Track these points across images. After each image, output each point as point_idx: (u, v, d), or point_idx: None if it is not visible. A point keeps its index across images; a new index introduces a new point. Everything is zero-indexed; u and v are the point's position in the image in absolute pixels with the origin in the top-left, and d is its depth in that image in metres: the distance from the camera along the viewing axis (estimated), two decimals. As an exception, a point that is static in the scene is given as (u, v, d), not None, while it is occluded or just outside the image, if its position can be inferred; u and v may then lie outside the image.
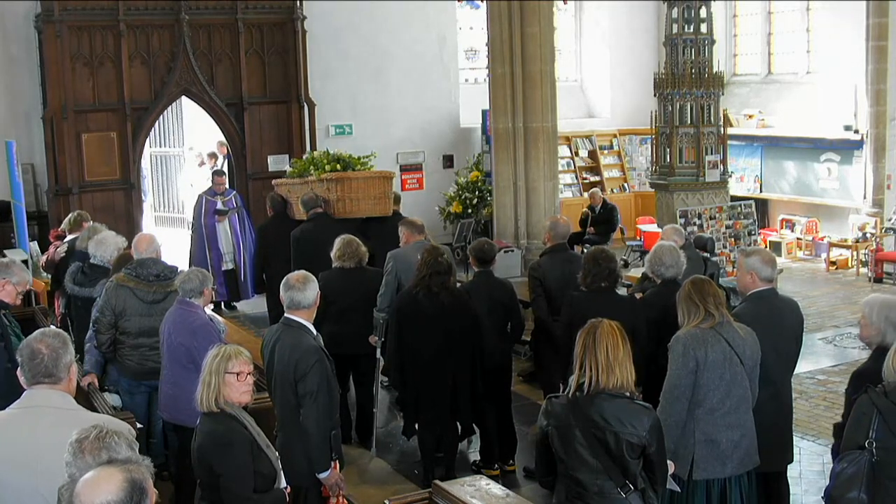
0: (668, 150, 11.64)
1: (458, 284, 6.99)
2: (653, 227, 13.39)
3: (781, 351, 5.33)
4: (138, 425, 5.29)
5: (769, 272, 5.41)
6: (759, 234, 13.09)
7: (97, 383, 6.35)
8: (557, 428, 4.03)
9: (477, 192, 14.62)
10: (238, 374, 4.19)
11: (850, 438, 4.08)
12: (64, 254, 8.23)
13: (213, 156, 15.82)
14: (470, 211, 14.65)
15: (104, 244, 7.29)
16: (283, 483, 4.41)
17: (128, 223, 12.45)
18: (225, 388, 4.16)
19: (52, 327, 4.68)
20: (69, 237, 8.56)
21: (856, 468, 3.95)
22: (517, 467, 7.17)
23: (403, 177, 15.36)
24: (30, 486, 3.42)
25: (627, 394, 3.98)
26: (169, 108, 14.50)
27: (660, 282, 6.21)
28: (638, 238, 14.86)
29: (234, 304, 12.22)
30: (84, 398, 5.36)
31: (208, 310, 6.31)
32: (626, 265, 13.51)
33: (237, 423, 4.17)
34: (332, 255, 7.38)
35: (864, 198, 14.12)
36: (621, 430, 3.90)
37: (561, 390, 4.38)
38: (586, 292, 6.20)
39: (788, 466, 5.67)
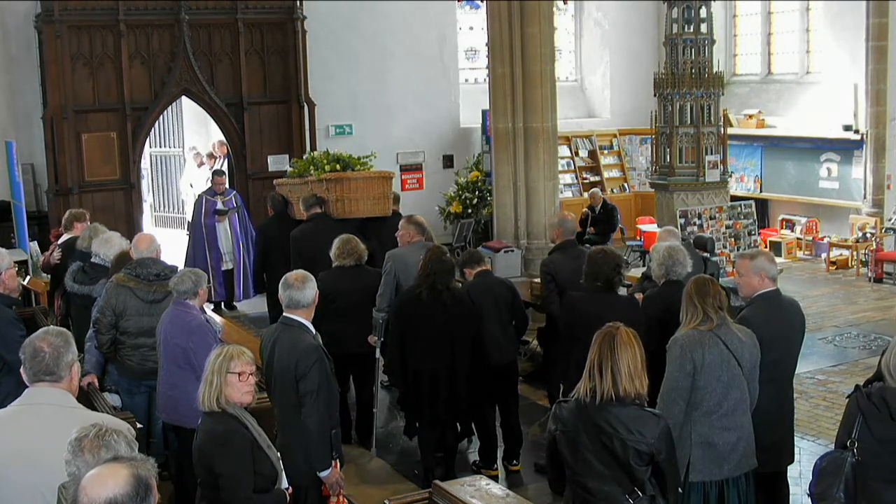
0: (668, 150, 11.63)
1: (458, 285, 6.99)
2: (653, 227, 13.37)
3: (785, 351, 5.34)
4: (138, 425, 5.29)
5: (775, 271, 5.45)
6: (759, 234, 13.08)
7: (97, 383, 6.36)
8: (565, 433, 4.01)
9: (477, 192, 14.62)
10: (240, 374, 4.19)
11: (838, 437, 4.10)
12: (59, 258, 8.20)
13: (211, 156, 15.81)
14: (470, 211, 14.64)
15: (109, 244, 7.28)
16: (285, 483, 4.41)
17: (128, 223, 12.45)
18: (227, 388, 4.17)
19: (54, 326, 4.68)
20: (63, 237, 8.54)
21: (836, 467, 3.96)
22: (521, 467, 7.17)
23: (403, 177, 15.35)
24: (30, 482, 3.43)
25: (638, 401, 3.95)
26: (169, 108, 14.50)
27: (663, 282, 6.19)
28: (638, 238, 14.85)
29: (235, 303, 12.23)
30: (84, 398, 5.36)
31: (208, 309, 6.30)
32: (626, 265, 13.49)
33: (238, 423, 4.17)
34: (331, 254, 7.39)
35: (864, 198, 14.12)
36: (628, 438, 3.87)
37: (561, 391, 4.37)
38: (585, 293, 6.19)
39: (788, 466, 5.67)
